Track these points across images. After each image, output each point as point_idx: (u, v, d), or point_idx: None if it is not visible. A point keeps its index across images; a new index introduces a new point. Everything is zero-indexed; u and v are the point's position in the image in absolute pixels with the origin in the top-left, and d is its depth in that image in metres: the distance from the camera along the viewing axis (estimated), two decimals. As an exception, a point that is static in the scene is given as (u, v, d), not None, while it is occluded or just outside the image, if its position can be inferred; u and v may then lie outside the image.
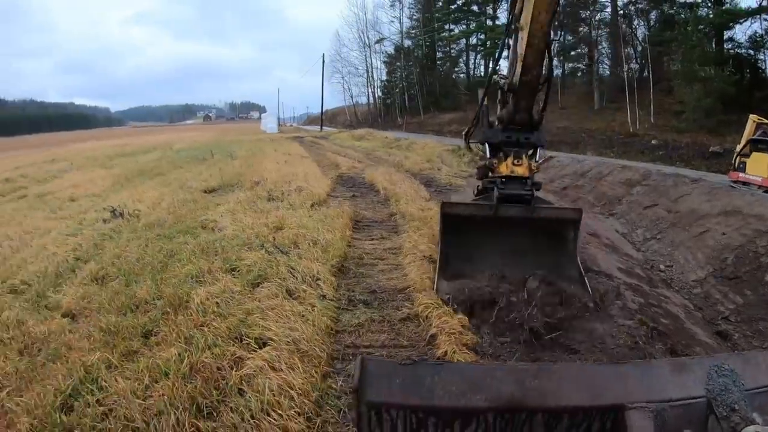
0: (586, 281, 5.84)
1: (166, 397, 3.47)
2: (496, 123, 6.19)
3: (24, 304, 5.66)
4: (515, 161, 5.85)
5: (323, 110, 64.02)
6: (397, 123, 47.85)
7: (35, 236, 9.17)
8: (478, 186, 6.79)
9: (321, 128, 58.49)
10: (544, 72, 5.62)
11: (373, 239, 8.38)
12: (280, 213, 9.03)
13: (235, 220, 8.64)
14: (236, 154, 23.37)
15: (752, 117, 13.26)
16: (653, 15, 31.31)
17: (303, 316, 4.77)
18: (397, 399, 1.94)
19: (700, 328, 7.28)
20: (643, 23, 31.96)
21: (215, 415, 3.46)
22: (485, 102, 6.68)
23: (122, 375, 3.81)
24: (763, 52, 23.71)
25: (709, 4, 23.51)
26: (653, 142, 22.42)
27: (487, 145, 6.24)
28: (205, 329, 4.45)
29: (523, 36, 5.19)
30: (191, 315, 4.79)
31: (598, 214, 12.96)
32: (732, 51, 23.72)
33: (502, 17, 43.85)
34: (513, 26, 5.66)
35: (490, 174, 6.13)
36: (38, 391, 3.72)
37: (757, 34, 23.24)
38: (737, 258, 9.15)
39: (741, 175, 12.89)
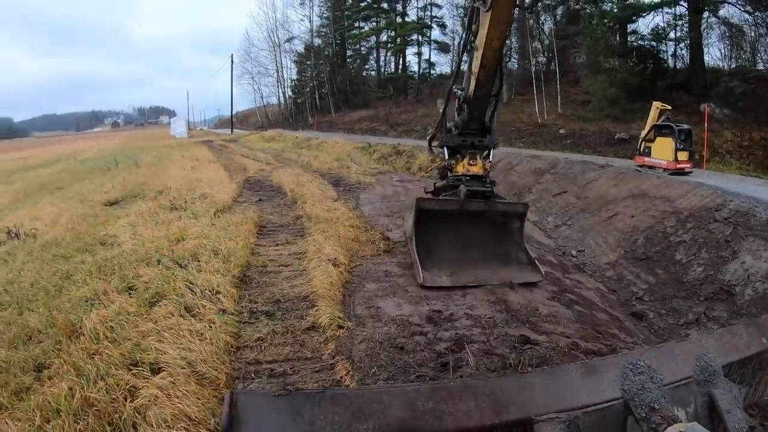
0: (537, 264, 6.56)
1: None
2: (454, 129, 6.77)
3: None
4: (470, 161, 6.61)
5: (234, 112, 62.40)
6: (308, 123, 46.99)
7: None
8: (435, 183, 7.26)
9: (231, 131, 56.68)
10: (496, 84, 6.29)
11: (278, 245, 8.13)
12: (182, 223, 8.67)
13: (135, 233, 8.22)
14: (142, 161, 22.39)
15: (656, 104, 13.98)
16: (559, 10, 32.79)
17: (201, 334, 4.51)
18: (274, 436, 1.72)
19: (616, 311, 7.26)
20: (549, 18, 33.35)
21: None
22: (445, 109, 7.21)
23: (12, 416, 3.52)
24: (665, 44, 25.34)
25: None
26: (561, 131, 23.23)
27: (446, 148, 6.83)
28: (98, 357, 4.15)
29: (477, 56, 5.74)
30: (84, 343, 4.46)
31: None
32: (635, 43, 25.21)
33: (412, 14, 44.93)
34: (469, 46, 6.19)
35: (449, 174, 6.82)
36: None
37: (659, 27, 24.95)
38: (647, 239, 9.36)
39: (646, 159, 13.50)
